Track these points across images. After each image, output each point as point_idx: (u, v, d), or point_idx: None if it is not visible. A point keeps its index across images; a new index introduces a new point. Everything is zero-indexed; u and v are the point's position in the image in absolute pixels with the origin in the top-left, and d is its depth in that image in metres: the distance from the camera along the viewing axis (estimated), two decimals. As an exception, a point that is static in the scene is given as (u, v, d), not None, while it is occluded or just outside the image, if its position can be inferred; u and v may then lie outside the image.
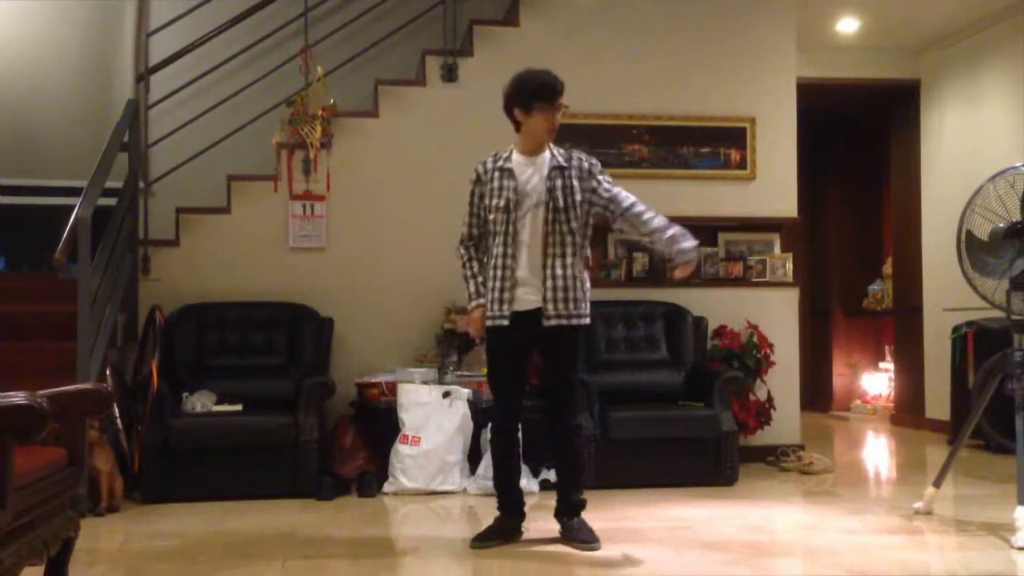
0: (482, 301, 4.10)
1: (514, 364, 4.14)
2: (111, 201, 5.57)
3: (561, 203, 4.00)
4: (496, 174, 4.08)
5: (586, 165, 4.09)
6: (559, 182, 4.02)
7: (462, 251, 4.20)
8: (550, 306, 3.99)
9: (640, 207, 4.08)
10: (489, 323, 4.07)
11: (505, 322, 4.02)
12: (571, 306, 4.01)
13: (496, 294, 4.03)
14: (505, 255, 4.02)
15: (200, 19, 6.37)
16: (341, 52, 6.34)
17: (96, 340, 4.94)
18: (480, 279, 4.12)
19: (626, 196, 4.11)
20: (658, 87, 6.43)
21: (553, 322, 4.00)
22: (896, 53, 8.17)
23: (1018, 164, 4.53)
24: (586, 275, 4.12)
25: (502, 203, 4.02)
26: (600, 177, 4.11)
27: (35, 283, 5.97)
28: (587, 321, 4.09)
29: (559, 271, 3.99)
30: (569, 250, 4.01)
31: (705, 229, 6.50)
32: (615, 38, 6.41)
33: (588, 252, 4.16)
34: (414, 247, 6.12)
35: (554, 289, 3.98)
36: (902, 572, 3.68)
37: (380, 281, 6.11)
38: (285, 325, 5.82)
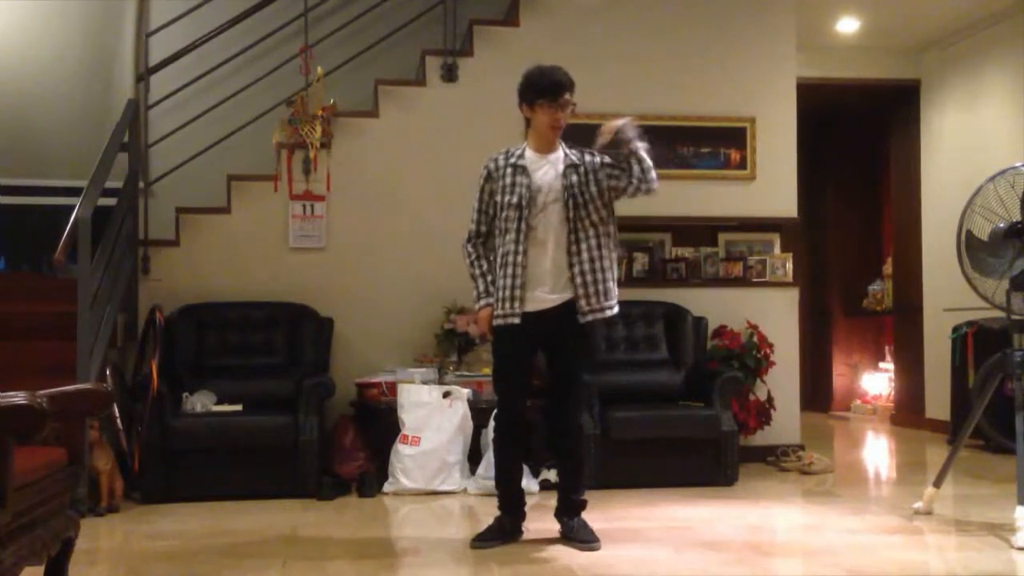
0: (490, 300, 4.04)
1: (521, 364, 4.12)
2: (111, 201, 5.56)
3: (581, 199, 3.99)
4: (508, 170, 4.04)
5: (597, 159, 4.08)
6: (575, 178, 4.01)
7: (469, 249, 4.14)
8: (583, 302, 3.97)
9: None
10: (499, 322, 4.00)
11: (517, 320, 3.97)
12: (603, 299, 4.00)
13: (507, 292, 3.97)
14: (517, 252, 3.97)
15: (200, 19, 6.38)
16: (341, 52, 6.33)
17: (96, 340, 4.94)
18: (489, 278, 4.07)
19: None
20: (658, 87, 6.43)
21: (589, 317, 3.99)
22: (896, 53, 8.18)
23: (1018, 164, 4.53)
24: (615, 265, 4.08)
25: (515, 199, 3.98)
26: (608, 160, 4.08)
27: (35, 283, 5.98)
28: (615, 310, 4.07)
29: (587, 265, 3.97)
30: (594, 243, 4.00)
31: (705, 229, 6.53)
32: (615, 38, 6.41)
33: (615, 239, 4.11)
34: (414, 247, 6.12)
35: (585, 284, 3.97)
36: (902, 572, 3.68)
37: (380, 281, 6.11)
38: (285, 325, 5.82)
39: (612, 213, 4.10)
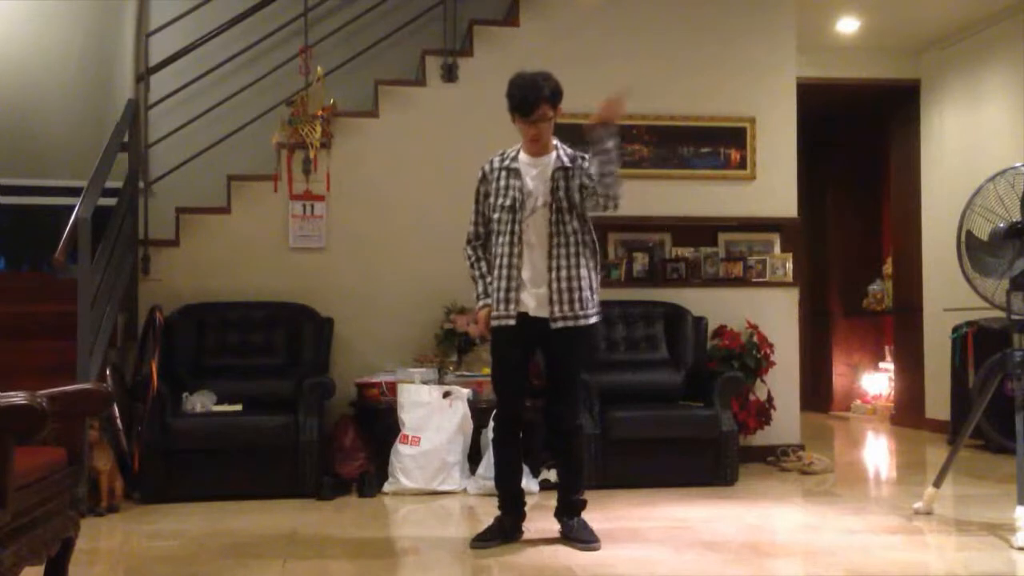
0: (488, 301, 4.09)
1: (517, 364, 4.12)
2: (111, 201, 5.57)
3: (565, 204, 3.99)
4: (502, 173, 4.07)
5: (586, 164, 4.05)
6: (563, 183, 4.01)
7: (469, 251, 4.20)
8: (556, 308, 3.97)
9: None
10: (495, 323, 4.05)
11: (512, 322, 4.00)
12: (577, 307, 3.99)
13: (502, 294, 4.01)
14: (511, 255, 4.00)
15: (200, 19, 6.38)
16: (341, 52, 6.34)
17: (96, 340, 4.94)
18: (488, 279, 4.11)
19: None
20: (658, 87, 6.43)
21: (560, 324, 3.98)
22: (896, 53, 8.18)
23: (1018, 164, 4.53)
24: (595, 274, 4.08)
25: (508, 203, 4.02)
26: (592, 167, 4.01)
27: (35, 283, 5.98)
28: (594, 320, 4.07)
29: (563, 272, 3.98)
30: (574, 250, 4.00)
31: (705, 229, 6.53)
32: (615, 38, 6.41)
33: (593, 249, 4.10)
34: (414, 247, 6.12)
35: (559, 291, 3.97)
36: (902, 572, 3.68)
37: (380, 281, 6.11)
38: (285, 325, 5.82)
39: (587, 222, 4.07)
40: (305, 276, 6.03)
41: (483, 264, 4.15)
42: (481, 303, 4.12)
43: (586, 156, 4.04)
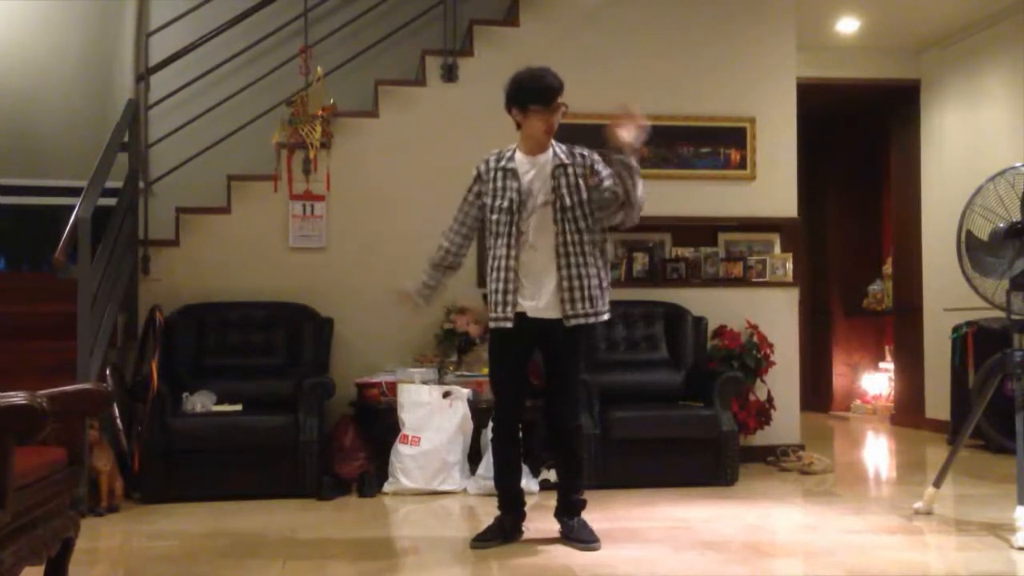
0: (418, 285, 4.18)
1: (515, 364, 4.12)
2: (111, 201, 5.57)
3: (568, 202, 3.97)
4: (499, 174, 4.05)
5: (588, 162, 4.04)
6: (563, 180, 3.99)
7: (436, 258, 4.23)
8: (568, 307, 3.96)
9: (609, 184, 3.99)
10: (492, 325, 4.05)
11: (508, 324, 4.00)
12: (587, 305, 3.98)
13: (499, 296, 4.00)
14: (508, 256, 3.98)
15: (200, 19, 6.38)
16: (341, 52, 6.34)
17: (96, 340, 4.94)
18: (425, 278, 4.19)
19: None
20: (658, 87, 6.43)
21: (573, 322, 3.97)
22: (896, 53, 8.18)
23: (1018, 164, 4.53)
24: (604, 271, 4.07)
25: (505, 203, 4.00)
26: (603, 172, 4.01)
27: (35, 283, 5.98)
28: (606, 317, 4.06)
29: (573, 271, 3.96)
30: (581, 248, 3.98)
31: (705, 229, 6.53)
32: (615, 38, 6.41)
33: (609, 245, 4.12)
34: (414, 247, 6.09)
35: (570, 289, 3.96)
36: (902, 572, 3.68)
37: (380, 281, 6.09)
38: (285, 325, 5.82)
39: (598, 220, 4.05)
40: (305, 276, 6.03)
41: (441, 252, 4.18)
42: (413, 283, 4.21)
43: (586, 154, 4.04)
